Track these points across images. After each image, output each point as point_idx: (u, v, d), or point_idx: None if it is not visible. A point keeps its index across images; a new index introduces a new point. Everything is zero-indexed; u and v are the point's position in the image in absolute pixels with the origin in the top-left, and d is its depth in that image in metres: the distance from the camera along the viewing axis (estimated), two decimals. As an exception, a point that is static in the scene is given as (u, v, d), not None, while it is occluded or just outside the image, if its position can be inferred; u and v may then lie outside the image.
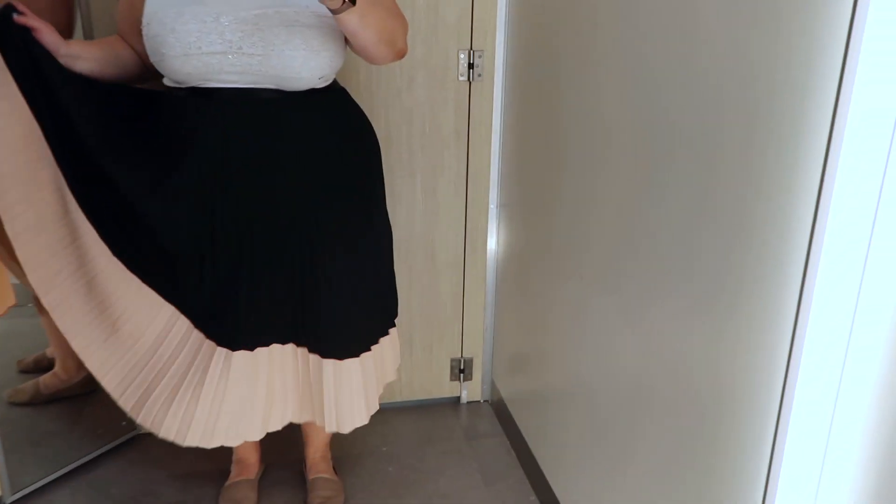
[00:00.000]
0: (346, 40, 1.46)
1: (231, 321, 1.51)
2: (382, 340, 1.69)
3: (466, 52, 2.08)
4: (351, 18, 1.33)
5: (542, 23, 1.84)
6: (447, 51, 2.07)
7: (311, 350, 1.58)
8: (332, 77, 1.53)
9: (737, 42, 1.03)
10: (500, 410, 2.34)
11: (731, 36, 1.04)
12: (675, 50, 1.19)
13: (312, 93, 1.47)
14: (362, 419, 1.65)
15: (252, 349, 1.53)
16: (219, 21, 1.36)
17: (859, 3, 0.80)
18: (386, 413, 2.35)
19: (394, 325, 1.74)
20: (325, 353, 1.58)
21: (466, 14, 2.05)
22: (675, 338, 1.24)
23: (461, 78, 2.10)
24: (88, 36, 1.84)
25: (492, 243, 2.28)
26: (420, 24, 2.03)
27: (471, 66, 2.09)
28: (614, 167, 1.44)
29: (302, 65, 1.41)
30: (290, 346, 1.58)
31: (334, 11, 1.30)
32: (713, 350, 1.12)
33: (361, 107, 1.63)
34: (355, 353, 1.60)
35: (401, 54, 1.51)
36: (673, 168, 1.21)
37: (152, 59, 1.42)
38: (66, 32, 1.79)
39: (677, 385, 1.24)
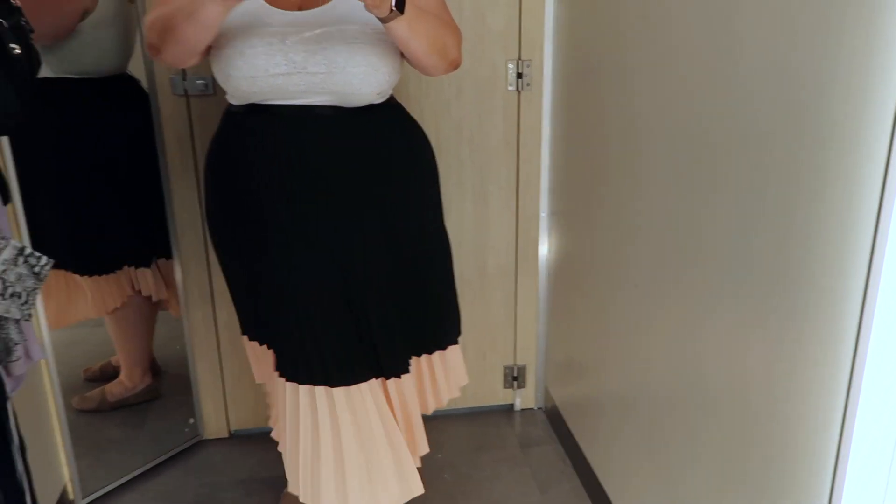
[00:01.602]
0: (402, 54, 1.49)
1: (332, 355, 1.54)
2: (445, 353, 1.71)
3: (515, 61, 2.10)
4: (400, 26, 1.35)
5: (590, 31, 1.84)
6: (495, 61, 2.09)
7: (376, 375, 1.60)
8: (390, 92, 1.56)
9: (784, 45, 1.02)
10: (553, 418, 2.34)
11: (779, 39, 1.04)
12: (724, 55, 1.19)
13: (370, 108, 1.51)
14: (425, 447, 1.72)
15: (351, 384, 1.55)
16: (284, 42, 1.40)
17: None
18: (440, 420, 2.38)
19: (455, 343, 1.74)
20: (388, 373, 1.59)
21: (514, 24, 2.07)
22: (733, 347, 1.23)
23: (510, 88, 2.12)
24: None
25: (543, 251, 2.28)
26: (467, 35, 2.04)
27: (519, 75, 2.11)
28: (666, 175, 1.44)
29: (363, 81, 1.43)
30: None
31: (383, 20, 1.34)
32: (771, 360, 1.11)
33: None
34: (406, 369, 1.62)
35: (454, 65, 1.53)
36: (727, 175, 1.21)
37: (217, 75, 1.46)
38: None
39: (735, 395, 1.23)
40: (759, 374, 1.15)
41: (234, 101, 1.51)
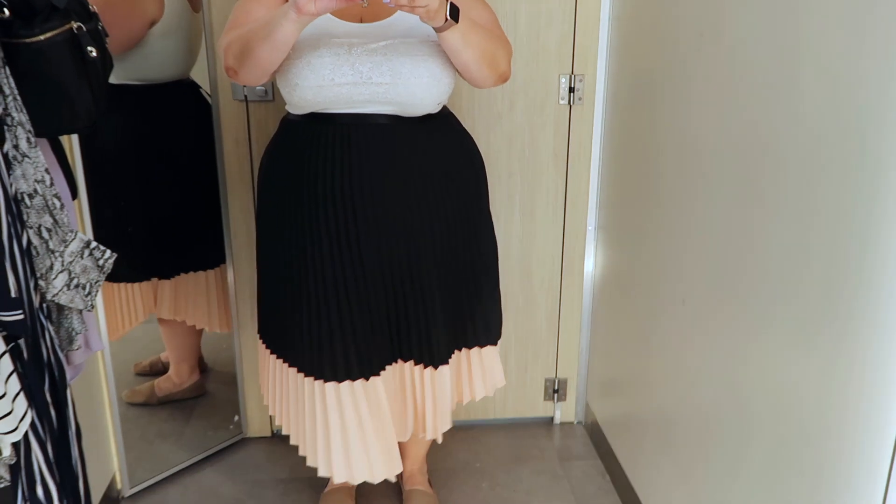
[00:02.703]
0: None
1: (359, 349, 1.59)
2: (482, 352, 1.74)
3: (567, 76, 2.11)
4: (453, 36, 1.40)
5: (644, 47, 1.85)
6: (548, 75, 2.11)
7: (416, 362, 1.64)
8: (446, 102, 1.60)
9: (844, 59, 1.02)
10: (593, 433, 2.33)
11: (840, 53, 1.03)
12: (782, 70, 1.18)
13: (427, 117, 1.54)
14: (448, 423, 1.72)
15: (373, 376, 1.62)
16: (351, 53, 1.45)
17: None
18: (479, 430, 2.38)
19: (494, 344, 1.78)
20: (427, 362, 1.63)
21: (568, 39, 2.08)
22: (782, 368, 1.22)
23: (562, 101, 2.13)
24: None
25: (589, 265, 2.28)
26: (521, 50, 2.07)
27: (571, 90, 2.12)
28: (715, 192, 1.44)
29: (425, 91, 1.49)
30: (393, 366, 1.65)
31: (438, 29, 1.38)
32: (821, 383, 1.10)
33: None
34: (445, 360, 1.66)
35: (503, 78, 1.56)
36: (778, 191, 1.20)
37: (283, 86, 1.50)
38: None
39: (783, 416, 1.22)
40: (807, 397, 1.14)
41: (295, 111, 1.56)
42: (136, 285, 2.16)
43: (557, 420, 2.44)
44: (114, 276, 2.02)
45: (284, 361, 1.65)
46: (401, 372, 1.66)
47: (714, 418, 1.47)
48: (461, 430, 2.35)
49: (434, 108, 1.55)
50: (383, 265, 1.56)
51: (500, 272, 1.75)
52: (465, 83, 1.62)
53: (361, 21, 1.51)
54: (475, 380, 1.76)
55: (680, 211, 1.63)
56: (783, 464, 1.22)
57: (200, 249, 2.24)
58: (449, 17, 1.35)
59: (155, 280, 2.20)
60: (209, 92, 2.06)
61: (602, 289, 2.24)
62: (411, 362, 1.64)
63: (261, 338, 1.74)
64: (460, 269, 1.65)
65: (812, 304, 1.12)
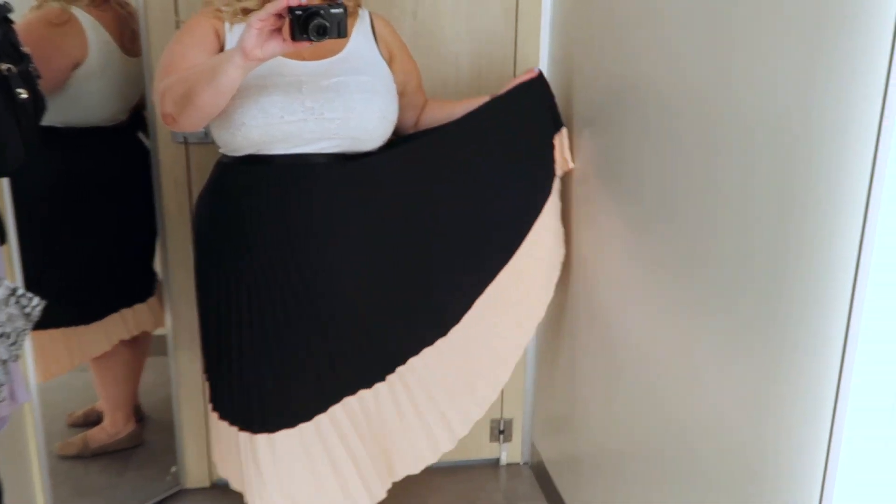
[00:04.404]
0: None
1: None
2: None
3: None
4: None
5: (583, 89, 1.89)
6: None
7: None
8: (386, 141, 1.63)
9: (769, 83, 1.06)
10: (539, 473, 2.32)
11: (764, 78, 1.07)
12: (718, 92, 1.23)
13: (365, 154, 1.56)
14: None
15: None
16: (301, 91, 1.45)
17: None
18: (424, 473, 2.33)
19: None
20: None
21: (509, 80, 2.11)
22: (723, 401, 1.24)
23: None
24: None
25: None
26: (464, 91, 2.08)
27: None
28: (659, 227, 1.47)
29: (376, 126, 1.51)
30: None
31: None
32: (757, 412, 1.12)
33: None
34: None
35: None
36: (719, 225, 1.23)
37: (225, 128, 1.47)
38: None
39: (727, 452, 1.23)
40: (744, 424, 1.16)
41: (232, 153, 1.54)
42: (71, 329, 2.09)
43: (503, 461, 2.43)
44: (48, 322, 1.98)
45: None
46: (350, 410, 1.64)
47: (658, 454, 1.48)
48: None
49: (378, 146, 1.57)
50: (331, 308, 1.55)
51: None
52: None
53: (304, 60, 1.52)
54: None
55: (621, 248, 1.66)
56: (731, 499, 1.23)
57: (131, 289, 2.21)
58: None
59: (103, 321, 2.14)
60: (148, 135, 2.03)
61: (546, 326, 2.25)
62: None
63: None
64: (411, 305, 1.65)
65: (750, 340, 1.15)
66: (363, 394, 1.62)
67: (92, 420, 2.33)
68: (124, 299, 2.17)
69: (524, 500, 2.24)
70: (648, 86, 1.49)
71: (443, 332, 1.68)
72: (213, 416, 1.63)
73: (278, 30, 1.27)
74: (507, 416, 2.39)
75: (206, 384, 1.66)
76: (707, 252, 1.26)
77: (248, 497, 1.62)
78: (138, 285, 2.20)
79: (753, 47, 1.11)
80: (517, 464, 2.44)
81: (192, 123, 1.42)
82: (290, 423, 1.56)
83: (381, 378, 1.63)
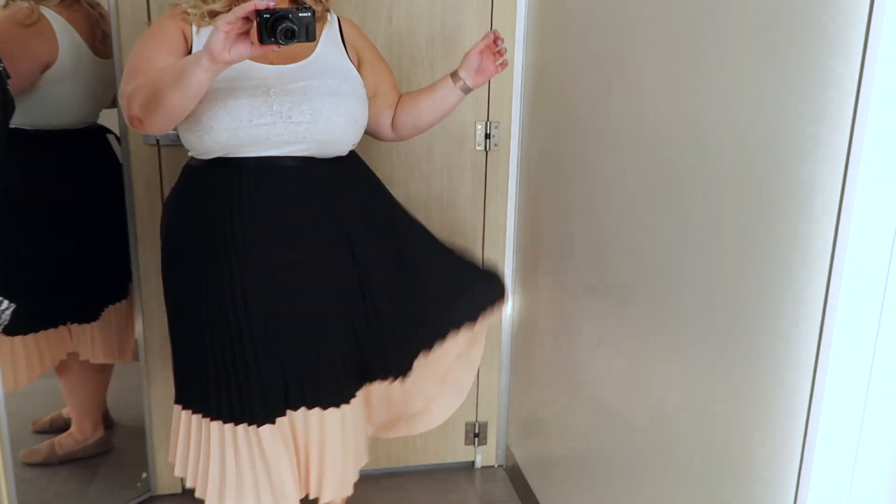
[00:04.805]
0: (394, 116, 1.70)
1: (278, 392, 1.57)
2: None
3: (483, 122, 2.16)
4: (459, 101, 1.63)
5: (555, 95, 1.91)
6: (464, 122, 2.15)
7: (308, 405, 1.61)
8: (356, 145, 1.63)
9: (740, 101, 1.08)
10: (514, 476, 2.33)
11: (734, 97, 1.10)
12: (682, 112, 1.25)
13: (337, 159, 1.56)
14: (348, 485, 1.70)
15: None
16: (269, 94, 1.44)
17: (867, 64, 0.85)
18: (399, 477, 2.35)
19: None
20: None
21: (483, 87, 2.13)
22: (694, 401, 1.26)
23: (478, 148, 2.17)
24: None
25: (507, 307, 2.31)
26: (439, 96, 2.11)
27: (487, 136, 2.17)
28: (627, 233, 1.49)
29: (344, 130, 1.51)
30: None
31: (469, 89, 1.61)
32: (731, 413, 1.14)
33: (381, 174, 1.74)
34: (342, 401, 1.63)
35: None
36: (686, 228, 1.26)
37: (192, 131, 1.46)
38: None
39: (700, 449, 1.25)
40: (722, 426, 1.18)
41: (201, 156, 1.53)
42: (41, 334, 2.04)
43: (479, 464, 2.43)
44: (15, 328, 1.93)
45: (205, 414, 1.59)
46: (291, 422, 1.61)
47: (634, 456, 1.50)
48: (382, 478, 2.31)
49: (346, 150, 1.57)
50: (296, 308, 1.54)
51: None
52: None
53: (271, 63, 1.51)
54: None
55: (594, 252, 1.67)
56: (706, 497, 1.25)
57: (117, 281, 2.16)
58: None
59: (66, 328, 2.09)
60: (118, 136, 2.00)
61: (520, 331, 2.26)
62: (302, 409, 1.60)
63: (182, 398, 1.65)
64: (376, 310, 1.63)
65: (722, 341, 1.17)
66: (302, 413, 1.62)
67: (58, 426, 2.28)
68: (79, 313, 2.13)
69: (499, 503, 2.24)
70: (616, 95, 1.51)
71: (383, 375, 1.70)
72: (186, 413, 1.60)
73: (246, 33, 1.26)
74: (481, 419, 2.39)
75: (179, 384, 1.64)
76: (677, 251, 1.29)
77: (228, 492, 1.59)
78: (111, 289, 2.16)
79: (721, 63, 1.14)
80: (492, 466, 2.44)
81: (159, 127, 1.41)
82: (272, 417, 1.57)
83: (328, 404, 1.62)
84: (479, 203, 2.22)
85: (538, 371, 2.11)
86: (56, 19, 1.86)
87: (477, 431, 2.40)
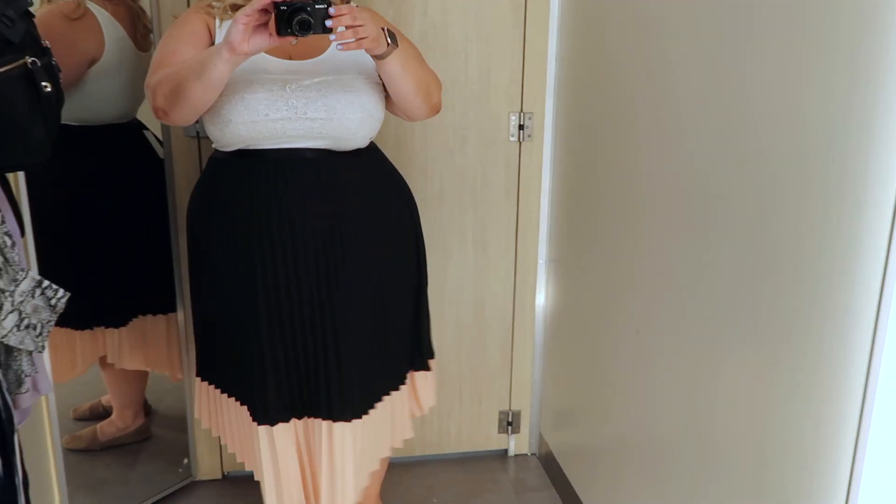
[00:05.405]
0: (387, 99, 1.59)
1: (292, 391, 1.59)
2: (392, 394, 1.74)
3: (517, 114, 2.17)
4: (394, 63, 1.45)
5: (590, 86, 1.92)
6: (498, 113, 2.16)
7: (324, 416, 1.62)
8: (374, 137, 1.64)
9: (789, 98, 1.09)
10: (548, 464, 2.34)
11: (785, 92, 1.10)
12: (728, 109, 1.25)
13: (357, 151, 1.58)
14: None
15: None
16: (285, 89, 1.47)
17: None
18: (433, 465, 2.37)
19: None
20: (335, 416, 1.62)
21: (517, 78, 2.15)
22: (739, 391, 1.26)
23: (512, 138, 2.19)
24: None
25: (540, 297, 2.32)
26: (472, 88, 2.12)
27: (521, 127, 2.18)
28: (667, 224, 1.49)
29: (358, 126, 1.52)
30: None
31: (379, 56, 1.42)
32: (779, 403, 1.15)
33: (415, 165, 1.73)
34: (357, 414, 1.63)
35: (436, 109, 1.63)
36: (732, 222, 1.26)
37: (213, 123, 1.50)
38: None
39: (742, 440, 1.26)
40: (766, 417, 1.19)
41: (223, 148, 1.56)
42: (77, 333, 2.07)
43: (511, 452, 2.46)
44: (57, 321, 1.94)
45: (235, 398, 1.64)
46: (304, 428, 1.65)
47: (673, 445, 1.51)
48: (416, 466, 2.34)
49: (364, 143, 1.59)
50: (319, 298, 1.56)
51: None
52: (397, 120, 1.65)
53: (290, 58, 1.54)
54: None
55: (630, 242, 1.68)
56: (746, 488, 1.26)
57: (154, 292, 2.16)
58: (389, 42, 1.40)
59: (100, 329, 2.10)
60: (158, 131, 2.02)
61: (554, 320, 2.28)
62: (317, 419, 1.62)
63: (205, 377, 1.71)
64: (395, 302, 1.66)
65: (768, 327, 1.17)
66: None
67: (98, 413, 2.34)
68: (149, 305, 2.15)
69: (533, 491, 2.26)
70: (657, 86, 1.51)
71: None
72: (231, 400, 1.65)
73: (265, 25, 1.31)
74: (514, 408, 2.41)
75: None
76: (726, 240, 1.29)
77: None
78: (144, 294, 2.15)
79: (765, 54, 1.14)
80: (525, 454, 2.46)
81: (183, 117, 1.46)
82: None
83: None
84: (513, 194, 2.23)
85: (572, 360, 2.12)
86: (101, 13, 1.89)
87: (510, 420, 2.42)
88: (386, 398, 1.68)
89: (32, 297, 1.28)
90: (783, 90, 1.11)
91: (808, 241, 1.06)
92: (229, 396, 1.65)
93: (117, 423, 2.29)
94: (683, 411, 1.46)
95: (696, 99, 1.37)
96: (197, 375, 1.72)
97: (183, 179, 2.05)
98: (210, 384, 1.69)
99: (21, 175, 1.68)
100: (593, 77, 1.90)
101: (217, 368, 1.67)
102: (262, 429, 1.59)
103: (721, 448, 1.32)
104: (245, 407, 1.62)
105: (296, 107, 1.47)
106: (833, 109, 1.01)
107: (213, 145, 1.60)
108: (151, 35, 1.96)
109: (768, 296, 1.16)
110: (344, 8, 1.32)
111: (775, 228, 1.14)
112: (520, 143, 2.20)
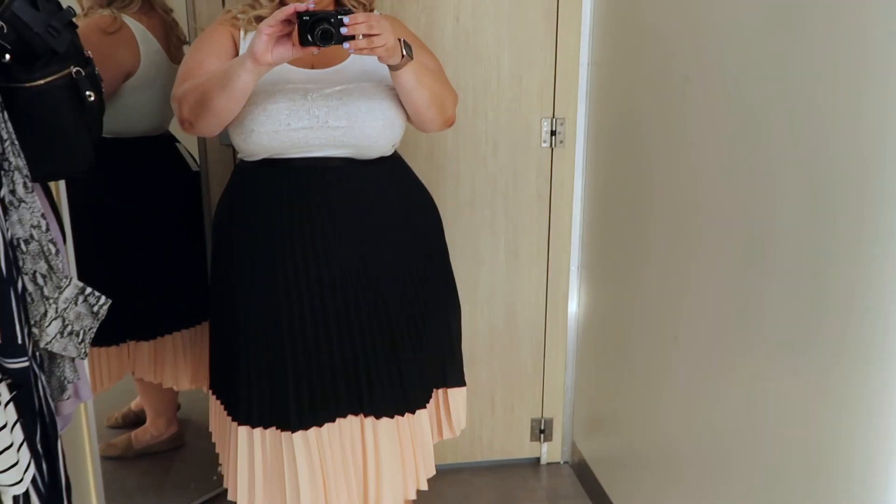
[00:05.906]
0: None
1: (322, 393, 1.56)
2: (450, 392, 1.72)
3: (549, 119, 2.16)
4: (408, 75, 1.44)
5: (623, 91, 1.91)
6: (530, 119, 2.16)
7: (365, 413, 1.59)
8: (397, 145, 1.64)
9: (854, 95, 1.07)
10: (581, 472, 2.32)
11: (848, 90, 1.08)
12: (780, 108, 1.23)
13: (381, 159, 1.58)
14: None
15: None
16: (307, 98, 1.48)
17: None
18: (466, 472, 2.36)
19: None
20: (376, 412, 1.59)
21: (549, 84, 2.14)
22: (788, 404, 1.24)
23: (544, 144, 2.18)
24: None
25: (573, 303, 2.31)
26: (504, 94, 2.12)
27: (553, 133, 2.17)
28: (706, 227, 1.48)
29: (380, 134, 1.52)
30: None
31: (394, 67, 1.42)
32: (833, 418, 1.13)
33: (447, 171, 1.73)
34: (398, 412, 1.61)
35: (449, 122, 1.62)
36: (778, 231, 1.24)
37: (237, 133, 1.50)
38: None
39: (791, 455, 1.23)
40: (820, 431, 1.17)
41: (249, 158, 1.57)
42: (107, 349, 2.06)
43: (544, 460, 2.44)
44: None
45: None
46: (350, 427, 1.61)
47: (717, 453, 1.49)
48: (449, 473, 2.32)
49: (388, 151, 1.59)
50: (349, 306, 1.54)
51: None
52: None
53: (313, 67, 1.55)
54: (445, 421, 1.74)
55: (668, 249, 1.67)
56: (799, 499, 1.23)
57: (178, 309, 2.13)
58: (405, 54, 1.40)
59: (126, 345, 2.09)
60: (190, 143, 2.04)
61: (586, 327, 2.26)
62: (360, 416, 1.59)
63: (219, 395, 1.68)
64: (421, 309, 1.63)
65: (823, 334, 1.15)
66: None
67: (130, 420, 2.36)
68: (173, 323, 2.12)
69: (567, 499, 2.24)
70: (696, 89, 1.50)
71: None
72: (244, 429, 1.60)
73: (288, 35, 1.33)
74: (547, 415, 2.40)
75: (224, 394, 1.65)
76: (768, 246, 1.27)
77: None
78: (187, 308, 2.13)
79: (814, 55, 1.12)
80: (557, 463, 2.44)
81: (208, 128, 1.48)
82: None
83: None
84: (545, 200, 2.22)
85: (605, 367, 2.10)
86: (136, 27, 1.90)
87: (542, 427, 2.40)
88: (420, 411, 1.64)
89: (76, 304, 1.29)
90: (836, 88, 1.10)
91: (865, 253, 1.04)
92: (234, 420, 1.60)
93: (151, 431, 2.30)
94: (727, 419, 1.44)
95: (737, 100, 1.36)
96: (209, 388, 1.69)
97: (219, 189, 2.06)
98: (221, 403, 1.65)
99: (62, 183, 1.71)
100: (626, 82, 1.89)
101: (232, 383, 1.60)
102: (297, 435, 1.55)
103: (771, 459, 1.30)
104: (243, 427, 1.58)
105: (317, 116, 1.47)
106: (884, 109, 0.99)
107: (239, 155, 1.61)
108: (185, 47, 1.98)
109: (823, 307, 1.14)
110: (361, 16, 1.31)
111: (834, 240, 1.12)
112: (552, 148, 2.19)
